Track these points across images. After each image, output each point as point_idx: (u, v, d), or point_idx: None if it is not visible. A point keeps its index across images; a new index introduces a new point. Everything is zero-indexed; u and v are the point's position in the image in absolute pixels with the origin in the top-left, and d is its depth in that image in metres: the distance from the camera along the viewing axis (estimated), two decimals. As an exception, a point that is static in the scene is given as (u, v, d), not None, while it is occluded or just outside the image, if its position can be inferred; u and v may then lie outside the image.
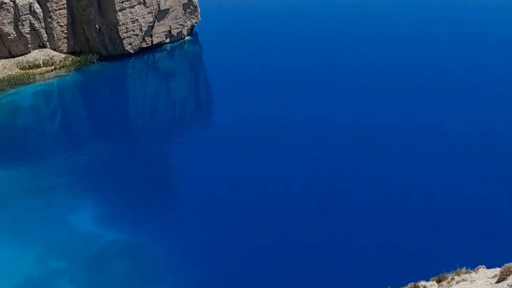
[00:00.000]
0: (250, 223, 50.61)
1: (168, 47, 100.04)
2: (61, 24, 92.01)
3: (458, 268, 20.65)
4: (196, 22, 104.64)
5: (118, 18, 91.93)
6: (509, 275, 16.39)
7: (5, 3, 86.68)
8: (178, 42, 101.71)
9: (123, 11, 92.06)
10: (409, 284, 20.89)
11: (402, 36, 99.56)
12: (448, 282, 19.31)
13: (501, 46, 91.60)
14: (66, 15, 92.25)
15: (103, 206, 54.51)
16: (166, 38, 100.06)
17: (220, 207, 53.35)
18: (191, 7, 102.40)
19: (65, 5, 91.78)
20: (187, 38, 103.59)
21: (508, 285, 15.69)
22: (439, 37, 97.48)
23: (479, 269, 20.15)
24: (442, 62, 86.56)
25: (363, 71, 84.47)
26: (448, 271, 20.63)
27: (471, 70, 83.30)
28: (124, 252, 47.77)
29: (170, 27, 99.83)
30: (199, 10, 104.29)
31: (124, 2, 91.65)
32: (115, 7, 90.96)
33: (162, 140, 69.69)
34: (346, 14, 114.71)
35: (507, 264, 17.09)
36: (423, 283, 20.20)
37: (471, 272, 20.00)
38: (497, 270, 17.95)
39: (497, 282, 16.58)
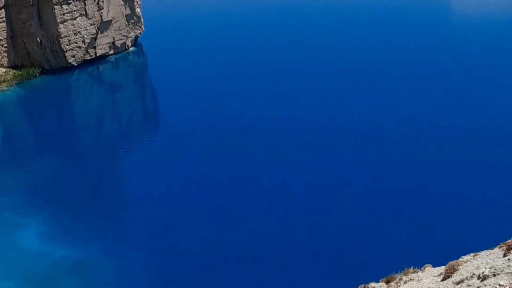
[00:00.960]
0: (199, 234, 50.55)
1: (112, 58, 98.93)
2: (0, 37, 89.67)
3: (406, 268, 21.27)
4: (140, 33, 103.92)
5: (59, 30, 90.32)
6: (453, 273, 17.06)
7: None
8: (123, 53, 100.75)
9: (65, 23, 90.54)
10: (359, 286, 21.39)
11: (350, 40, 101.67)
12: (397, 283, 19.89)
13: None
14: (5, 29, 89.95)
15: (50, 223, 53.35)
16: (110, 49, 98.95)
17: (168, 218, 53.15)
18: (135, 17, 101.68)
19: (3, 18, 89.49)
20: (131, 49, 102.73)
21: (453, 282, 16.33)
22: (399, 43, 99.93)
23: (426, 268, 20.84)
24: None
25: (307, 73, 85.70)
26: (397, 272, 21.26)
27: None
28: (73, 268, 46.88)
29: (114, 39, 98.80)
30: (142, 20, 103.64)
31: (66, 14, 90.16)
32: (56, 19, 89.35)
33: (109, 153, 68.85)
34: (283, 20, 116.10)
35: (451, 262, 17.80)
36: (373, 284, 20.73)
37: (418, 272, 20.66)
38: (442, 268, 18.65)
39: (442, 280, 17.23)
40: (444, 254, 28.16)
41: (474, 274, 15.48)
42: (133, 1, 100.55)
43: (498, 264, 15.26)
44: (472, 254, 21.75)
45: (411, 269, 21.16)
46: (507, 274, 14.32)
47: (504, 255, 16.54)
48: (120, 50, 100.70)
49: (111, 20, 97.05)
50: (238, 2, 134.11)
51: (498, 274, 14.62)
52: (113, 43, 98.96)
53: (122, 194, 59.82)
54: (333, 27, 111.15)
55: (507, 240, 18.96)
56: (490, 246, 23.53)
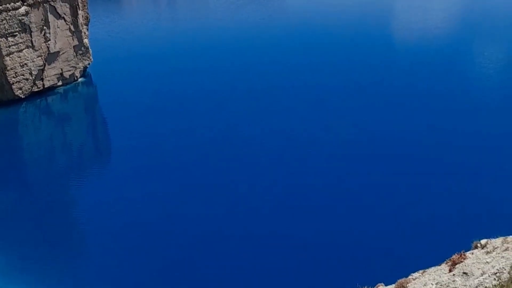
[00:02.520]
0: (157, 262, 50.28)
1: (61, 90, 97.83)
2: None
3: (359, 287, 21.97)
4: (89, 64, 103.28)
5: (5, 63, 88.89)
6: (402, 290, 17.84)
7: None
8: (71, 85, 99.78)
9: (11, 56, 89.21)
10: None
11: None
12: (351, 302, 20.52)
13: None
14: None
15: (1, 259, 52.02)
16: (59, 81, 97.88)
17: (123, 249, 52.62)
18: (83, 48, 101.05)
19: None
20: (80, 80, 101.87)
21: (403, 299, 17.05)
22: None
23: (378, 287, 21.60)
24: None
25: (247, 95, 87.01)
26: (351, 292, 21.95)
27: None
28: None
29: (62, 70, 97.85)
30: (91, 51, 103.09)
31: (11, 47, 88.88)
32: (1, 51, 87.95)
33: (60, 186, 67.67)
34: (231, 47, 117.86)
35: (400, 280, 18.57)
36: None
37: (371, 291, 21.38)
38: (392, 287, 19.41)
39: (393, 297, 17.96)
40: (396, 272, 29.07)
41: (421, 291, 16.22)
42: (81, 32, 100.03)
43: (444, 280, 16.05)
44: (421, 271, 22.63)
45: (365, 288, 21.85)
46: (451, 289, 15.11)
47: (450, 271, 17.37)
48: (68, 81, 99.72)
49: (58, 51, 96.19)
50: (186, 30, 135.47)
51: (443, 289, 15.40)
52: (61, 74, 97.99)
53: (74, 227, 58.86)
54: (287, 47, 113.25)
55: (452, 256, 19.90)
56: (439, 262, 24.53)
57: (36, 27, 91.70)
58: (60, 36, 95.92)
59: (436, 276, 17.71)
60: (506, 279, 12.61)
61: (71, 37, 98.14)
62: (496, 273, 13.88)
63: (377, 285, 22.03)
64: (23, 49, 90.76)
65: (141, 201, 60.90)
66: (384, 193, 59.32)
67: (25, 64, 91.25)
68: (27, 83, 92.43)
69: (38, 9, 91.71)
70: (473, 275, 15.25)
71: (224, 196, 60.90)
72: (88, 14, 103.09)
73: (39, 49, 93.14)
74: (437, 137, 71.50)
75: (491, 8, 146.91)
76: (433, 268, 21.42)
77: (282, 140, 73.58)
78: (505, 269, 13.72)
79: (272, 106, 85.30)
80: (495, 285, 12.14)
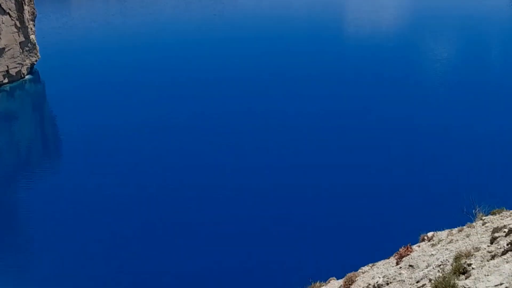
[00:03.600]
0: (104, 267, 49.46)
1: (7, 87, 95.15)
2: None
3: (312, 283, 22.16)
4: (36, 60, 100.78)
5: None
6: (351, 284, 18.09)
7: None
8: (18, 82, 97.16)
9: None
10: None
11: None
12: (303, 297, 20.71)
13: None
14: None
15: None
16: (4, 78, 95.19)
17: (72, 251, 51.60)
18: (29, 45, 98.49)
19: None
20: (27, 77, 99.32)
21: (352, 293, 17.30)
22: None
23: (330, 281, 21.85)
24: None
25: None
26: (303, 287, 22.10)
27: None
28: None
29: (8, 67, 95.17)
30: (38, 48, 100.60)
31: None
32: None
33: (8, 186, 65.82)
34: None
35: (349, 274, 18.84)
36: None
37: (323, 285, 21.60)
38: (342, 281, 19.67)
39: (343, 291, 18.21)
40: (348, 266, 29.50)
41: (369, 284, 16.48)
42: (27, 28, 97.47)
43: (391, 273, 16.33)
44: (370, 265, 23.02)
45: (317, 283, 22.06)
46: (398, 282, 15.39)
47: (397, 264, 17.68)
48: (15, 78, 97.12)
49: (3, 48, 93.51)
50: (135, 26, 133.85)
51: (390, 282, 15.68)
52: (7, 71, 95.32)
53: (22, 228, 57.34)
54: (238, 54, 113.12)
55: (399, 249, 20.29)
56: (388, 255, 25.00)
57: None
58: (5, 32, 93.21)
59: (384, 269, 18.01)
60: (449, 271, 12.91)
61: (17, 33, 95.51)
62: (440, 265, 14.21)
63: (329, 279, 22.30)
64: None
65: (92, 200, 59.84)
66: (333, 188, 60.08)
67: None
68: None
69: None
70: (419, 268, 15.59)
71: (168, 194, 60.51)
72: (34, 9, 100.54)
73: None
74: (383, 130, 72.76)
75: (438, 8, 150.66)
76: (381, 261, 21.81)
77: (216, 128, 73.53)
78: (448, 261, 14.06)
79: (217, 95, 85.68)
80: (438, 277, 12.44)
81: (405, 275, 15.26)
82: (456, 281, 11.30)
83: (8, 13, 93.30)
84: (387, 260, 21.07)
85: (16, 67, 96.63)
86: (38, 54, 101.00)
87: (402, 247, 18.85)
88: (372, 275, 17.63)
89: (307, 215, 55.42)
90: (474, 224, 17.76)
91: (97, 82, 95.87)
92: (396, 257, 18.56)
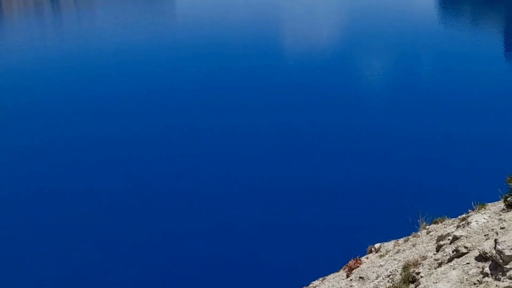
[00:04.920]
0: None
1: None
2: None
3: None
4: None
5: None
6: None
7: None
8: None
9: None
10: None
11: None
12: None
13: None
14: None
15: None
16: None
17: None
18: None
19: None
20: None
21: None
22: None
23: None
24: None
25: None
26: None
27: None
28: None
29: None
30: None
31: None
32: None
33: None
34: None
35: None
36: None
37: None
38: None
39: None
40: (299, 281, 29.68)
41: (322, 298, 16.68)
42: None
43: (342, 286, 16.61)
44: (321, 279, 23.31)
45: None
46: (349, 294, 15.67)
47: (347, 276, 18.00)
48: None
49: None
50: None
51: (342, 295, 15.93)
52: None
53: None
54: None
55: (349, 261, 20.65)
56: (338, 268, 25.34)
57: None
58: None
59: (335, 283, 18.30)
60: (399, 280, 13.25)
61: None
62: (390, 275, 14.55)
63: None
64: None
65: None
66: (281, 201, 60.27)
67: None
68: None
69: None
70: (369, 279, 15.91)
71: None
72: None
73: None
74: (321, 143, 73.09)
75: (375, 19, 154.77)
76: (332, 274, 22.13)
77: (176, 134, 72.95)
78: (397, 271, 14.40)
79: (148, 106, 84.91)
80: (389, 287, 12.75)
81: (356, 287, 15.53)
82: (406, 290, 11.60)
83: None
84: (337, 273, 21.39)
85: None
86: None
87: (352, 260, 19.20)
88: (323, 289, 17.86)
89: (258, 229, 55.31)
90: (419, 233, 18.30)
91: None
92: (346, 269, 18.88)
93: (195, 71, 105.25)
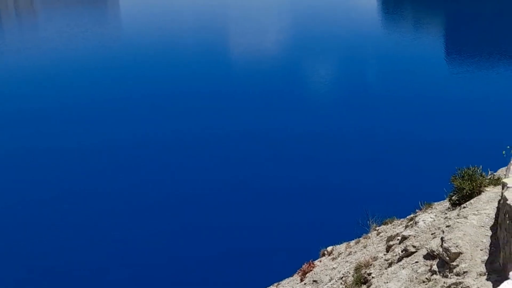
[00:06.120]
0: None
1: None
2: None
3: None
4: None
5: None
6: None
7: None
8: None
9: None
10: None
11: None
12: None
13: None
14: None
15: None
16: None
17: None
18: None
19: None
20: None
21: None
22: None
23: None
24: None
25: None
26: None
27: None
28: None
29: None
30: None
31: None
32: None
33: None
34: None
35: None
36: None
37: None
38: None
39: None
40: (256, 286, 29.74)
41: (277, 304, 16.78)
42: None
43: (297, 290, 16.74)
44: (275, 284, 23.43)
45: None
46: (304, 298, 15.81)
47: (301, 280, 18.17)
48: None
49: None
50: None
51: (297, 299, 16.07)
52: None
53: None
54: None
55: (302, 265, 20.84)
56: (291, 272, 25.49)
57: None
58: None
59: (289, 287, 18.43)
60: (351, 282, 13.47)
61: None
62: (342, 277, 14.78)
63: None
64: None
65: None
66: (227, 210, 60.07)
67: None
68: None
69: None
70: (322, 282, 16.10)
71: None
72: None
73: None
74: (266, 147, 73.45)
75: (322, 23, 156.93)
76: (286, 279, 22.28)
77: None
78: (349, 273, 14.64)
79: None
80: (342, 289, 12.95)
81: (310, 290, 15.70)
82: (359, 291, 11.82)
83: None
84: (291, 278, 21.55)
85: None
86: None
87: (305, 264, 19.39)
88: (278, 294, 17.96)
89: (210, 236, 55.05)
90: (369, 235, 18.64)
91: None
92: (299, 274, 19.05)
93: (140, 77, 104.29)
